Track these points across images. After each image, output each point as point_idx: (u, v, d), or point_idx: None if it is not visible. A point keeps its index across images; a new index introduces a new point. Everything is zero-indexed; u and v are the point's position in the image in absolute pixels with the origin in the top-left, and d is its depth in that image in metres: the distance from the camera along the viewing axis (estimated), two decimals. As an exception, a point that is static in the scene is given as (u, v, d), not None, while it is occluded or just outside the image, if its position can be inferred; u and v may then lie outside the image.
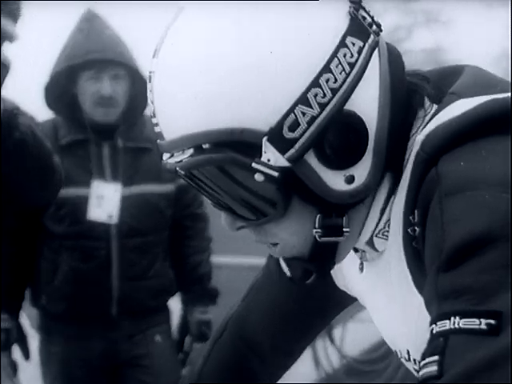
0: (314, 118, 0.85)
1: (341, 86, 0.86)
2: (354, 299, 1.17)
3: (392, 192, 0.93)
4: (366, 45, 0.89)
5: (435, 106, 0.94)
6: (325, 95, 0.86)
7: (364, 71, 0.88)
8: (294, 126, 0.85)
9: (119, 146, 2.43)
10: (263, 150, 0.86)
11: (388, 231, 0.95)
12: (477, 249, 0.76)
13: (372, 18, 0.91)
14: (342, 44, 0.87)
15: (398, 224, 0.92)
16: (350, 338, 4.08)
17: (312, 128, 0.86)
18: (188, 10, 0.90)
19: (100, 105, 2.37)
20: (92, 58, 2.34)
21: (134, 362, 2.47)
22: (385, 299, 1.01)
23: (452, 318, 0.74)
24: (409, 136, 0.93)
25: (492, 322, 0.72)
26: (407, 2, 17.55)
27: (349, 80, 0.87)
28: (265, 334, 1.23)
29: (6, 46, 1.73)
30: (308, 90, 0.85)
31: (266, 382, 1.29)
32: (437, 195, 0.83)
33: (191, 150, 0.87)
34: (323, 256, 0.95)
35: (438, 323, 0.76)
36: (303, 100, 0.85)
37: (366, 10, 0.91)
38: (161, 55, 0.89)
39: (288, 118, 0.85)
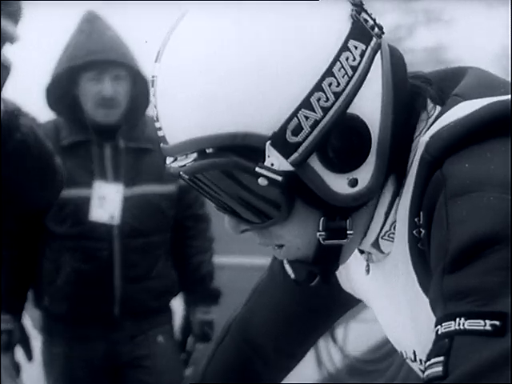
0: (317, 122, 0.86)
1: (343, 90, 0.86)
2: (358, 301, 1.17)
3: (397, 194, 0.93)
4: (369, 48, 0.89)
5: (438, 108, 0.94)
6: (328, 99, 0.86)
7: (366, 74, 0.88)
8: (298, 130, 0.86)
9: (121, 146, 2.43)
10: (266, 154, 0.86)
11: (394, 233, 0.95)
12: (482, 250, 0.77)
13: (374, 20, 0.91)
14: (345, 47, 0.87)
15: (403, 226, 0.92)
16: (353, 337, 4.09)
17: (315, 132, 0.86)
18: (190, 15, 0.90)
19: (101, 106, 2.37)
20: (93, 59, 2.35)
21: (137, 362, 2.47)
22: (391, 300, 1.01)
23: (457, 319, 0.75)
24: (412, 138, 0.93)
25: (497, 323, 0.73)
26: (408, 1, 17.55)
27: (351, 84, 0.87)
28: (268, 336, 1.23)
29: (7, 47, 1.73)
30: (311, 94, 0.85)
31: (269, 382, 1.29)
32: (442, 197, 0.83)
33: (195, 155, 0.87)
34: (327, 258, 0.95)
35: (443, 324, 0.76)
36: (306, 104, 0.85)
37: (367, 13, 0.91)
38: (163, 59, 0.90)
39: (291, 122, 0.85)
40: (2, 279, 2.36)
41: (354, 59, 0.87)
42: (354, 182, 0.89)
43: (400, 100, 0.92)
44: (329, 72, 0.86)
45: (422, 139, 0.90)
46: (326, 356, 3.96)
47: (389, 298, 1.01)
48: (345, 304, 1.23)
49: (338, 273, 1.14)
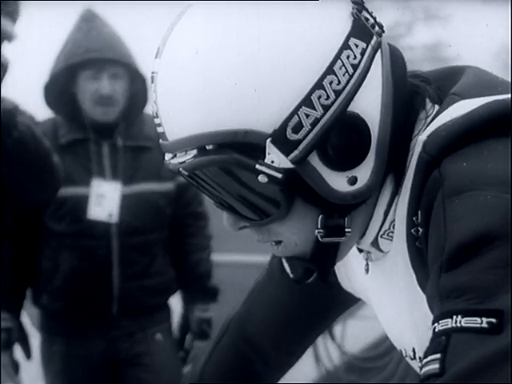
0: (317, 120, 0.86)
1: (344, 88, 0.87)
2: (357, 300, 1.18)
3: (395, 193, 0.94)
4: (369, 46, 0.89)
5: (437, 108, 0.94)
6: (328, 97, 0.86)
7: (367, 73, 0.89)
8: (298, 127, 0.86)
9: (119, 144, 2.43)
10: (267, 151, 0.86)
11: (393, 232, 0.95)
12: (478, 248, 0.77)
13: (374, 19, 0.92)
14: (346, 46, 0.88)
15: (401, 225, 0.93)
16: (351, 335, 4.08)
17: (315, 130, 0.86)
18: (190, 11, 0.90)
19: (99, 104, 2.37)
20: (91, 57, 2.35)
21: (135, 360, 2.48)
22: (390, 299, 1.01)
23: (454, 317, 0.75)
24: (411, 137, 0.93)
25: (493, 320, 0.73)
26: (406, -2, 17.54)
27: (352, 82, 0.87)
28: (267, 335, 1.23)
29: (5, 45, 1.74)
30: (312, 91, 0.86)
31: (268, 380, 1.29)
32: (439, 196, 0.84)
33: (194, 151, 0.88)
34: (324, 255, 0.95)
35: (440, 322, 0.77)
36: (307, 102, 0.86)
37: (368, 11, 0.92)
38: (163, 56, 0.90)
39: (292, 120, 0.86)
40: (0, 277, 2.37)
41: (355, 57, 0.88)
42: (353, 180, 0.89)
43: (399, 99, 0.92)
44: (330, 70, 0.86)
45: (420, 138, 0.90)
46: (324, 353, 3.97)
47: (388, 297, 1.02)
48: (344, 303, 1.23)
49: (337, 272, 1.14)
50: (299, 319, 1.23)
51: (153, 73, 0.91)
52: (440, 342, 0.75)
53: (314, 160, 0.88)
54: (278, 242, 0.96)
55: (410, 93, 0.95)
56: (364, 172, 0.90)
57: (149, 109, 2.51)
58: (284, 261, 1.10)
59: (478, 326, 0.74)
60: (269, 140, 0.86)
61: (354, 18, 0.90)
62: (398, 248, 0.95)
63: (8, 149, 1.80)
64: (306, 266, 0.97)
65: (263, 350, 1.25)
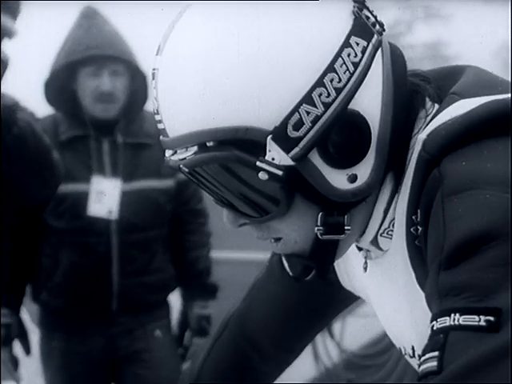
0: (318, 118, 0.86)
1: (345, 86, 0.87)
2: (357, 298, 1.18)
3: (395, 191, 0.94)
4: (370, 44, 0.90)
5: (436, 107, 0.95)
6: (329, 95, 0.87)
7: (368, 71, 0.89)
8: (299, 125, 0.86)
9: (119, 141, 2.44)
10: (267, 148, 0.87)
11: (392, 230, 0.96)
12: (477, 247, 0.78)
13: (375, 17, 0.92)
14: (347, 44, 0.88)
15: (401, 223, 0.93)
16: (350, 332, 4.09)
17: (316, 127, 0.87)
18: (192, 9, 0.91)
19: (100, 101, 2.38)
20: (92, 54, 2.35)
21: (134, 356, 2.48)
22: (390, 297, 1.02)
23: (452, 315, 0.76)
24: (411, 136, 0.94)
25: (491, 318, 0.73)
26: (407, -4, 17.52)
27: (353, 80, 0.88)
28: (266, 332, 1.24)
29: (5, 42, 1.74)
30: (313, 89, 0.86)
31: (266, 378, 1.29)
32: (439, 195, 0.84)
33: (195, 148, 0.88)
34: (323, 253, 0.96)
35: (438, 320, 0.77)
36: (308, 99, 0.86)
37: (369, 10, 0.92)
38: (165, 53, 0.90)
39: (292, 117, 0.86)
40: (0, 274, 2.37)
41: (356, 55, 0.88)
42: (353, 178, 0.89)
43: (400, 97, 0.93)
44: (331, 68, 0.87)
45: (420, 137, 0.90)
46: (322, 350, 3.97)
47: (387, 295, 1.02)
48: (343, 301, 1.24)
49: (337, 269, 1.15)
50: (298, 317, 1.23)
51: (153, 69, 0.91)
52: (438, 340, 0.76)
53: (315, 157, 0.88)
54: (278, 239, 0.96)
55: (410, 91, 0.96)
56: (364, 170, 0.90)
57: (149, 106, 2.51)
58: (283, 259, 1.11)
59: (476, 324, 0.74)
60: (269, 137, 0.86)
61: (355, 16, 0.90)
62: (397, 246, 0.95)
63: (8, 145, 1.81)
64: (305, 263, 0.98)
65: (262, 347, 1.25)
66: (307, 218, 0.92)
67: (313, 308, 1.22)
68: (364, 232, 0.98)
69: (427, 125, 0.92)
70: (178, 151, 0.90)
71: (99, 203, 2.38)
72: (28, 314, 2.60)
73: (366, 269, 1.04)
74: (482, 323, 0.74)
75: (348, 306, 1.26)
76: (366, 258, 1.03)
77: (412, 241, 0.92)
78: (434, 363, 0.75)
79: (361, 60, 0.88)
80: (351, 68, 0.88)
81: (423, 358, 0.76)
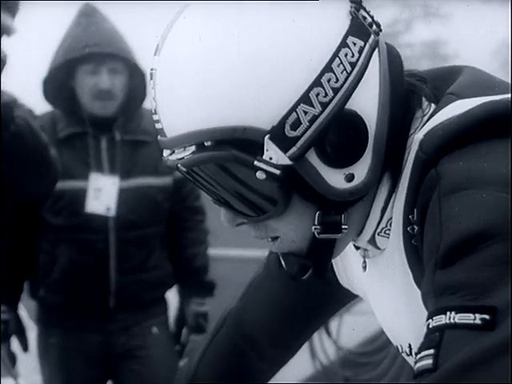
0: (315, 117, 0.87)
1: (342, 86, 0.88)
2: (355, 296, 1.18)
3: (392, 191, 0.95)
4: (367, 44, 0.90)
5: (433, 106, 0.95)
6: (326, 94, 0.87)
7: (365, 71, 0.89)
8: (296, 124, 0.87)
9: (117, 138, 2.44)
10: (265, 148, 0.87)
11: (390, 229, 0.96)
12: (473, 246, 0.78)
13: (372, 17, 0.92)
14: (344, 44, 0.88)
15: (398, 222, 0.94)
16: (347, 330, 4.09)
17: (313, 127, 0.87)
18: (190, 9, 0.91)
19: (98, 98, 2.38)
20: (90, 52, 2.36)
21: (131, 353, 2.49)
22: (387, 295, 1.02)
23: (448, 313, 0.76)
24: (407, 135, 0.94)
25: (487, 317, 0.74)
26: (405, -5, 17.49)
27: (350, 79, 0.88)
28: (263, 330, 1.24)
29: (4, 39, 1.74)
30: (310, 89, 0.86)
31: (263, 375, 1.30)
32: (436, 194, 0.84)
33: (193, 147, 0.88)
34: (320, 252, 0.96)
35: (434, 318, 0.77)
36: (305, 99, 0.86)
37: (366, 10, 0.93)
38: (163, 53, 0.90)
39: (290, 117, 0.86)
40: (-1, 270, 2.38)
41: (353, 55, 0.88)
42: (350, 177, 0.90)
43: (396, 97, 0.93)
44: (328, 68, 0.87)
45: (416, 137, 0.91)
46: (319, 348, 3.97)
47: (385, 293, 1.02)
48: (341, 299, 1.24)
49: (335, 268, 1.15)
50: (296, 315, 1.23)
51: (152, 70, 0.91)
52: (434, 338, 0.76)
53: (312, 157, 0.88)
54: (275, 238, 0.97)
55: (407, 91, 0.96)
56: (361, 169, 0.90)
57: (147, 104, 2.52)
58: (281, 257, 1.11)
59: (472, 322, 0.74)
60: (267, 137, 0.87)
61: (352, 16, 0.90)
62: (394, 245, 0.95)
63: (5, 142, 1.81)
64: (302, 262, 0.98)
65: (260, 345, 1.25)
66: (304, 217, 0.92)
67: (310, 306, 1.22)
68: (361, 231, 0.98)
69: (424, 125, 0.93)
70: (176, 151, 0.90)
71: (97, 200, 2.39)
72: (26, 310, 2.60)
73: (365, 268, 1.04)
74: (478, 321, 0.74)
75: (345, 305, 1.27)
76: (364, 257, 1.04)
77: (408, 240, 0.92)
78: (430, 361, 0.75)
79: (358, 60, 0.89)
80: (348, 68, 0.88)
81: (419, 356, 0.77)
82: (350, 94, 0.88)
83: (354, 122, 0.89)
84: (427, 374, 0.75)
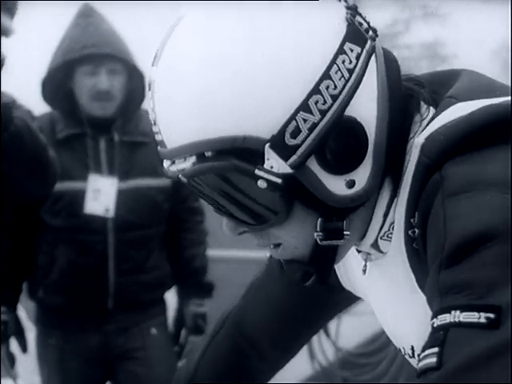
0: (315, 125, 0.87)
1: (340, 93, 0.87)
2: (357, 298, 1.18)
3: (394, 195, 0.95)
4: (364, 50, 0.90)
5: (432, 110, 0.95)
6: (325, 102, 0.87)
7: (362, 77, 0.89)
8: (296, 132, 0.87)
9: (116, 139, 2.44)
10: (266, 156, 0.87)
11: (392, 233, 0.96)
12: (477, 246, 0.78)
13: (368, 23, 0.93)
14: (341, 50, 0.88)
15: (399, 226, 0.94)
16: (345, 331, 4.09)
17: (313, 134, 0.87)
18: (187, 19, 0.91)
19: (97, 99, 2.38)
20: (89, 53, 2.36)
21: (130, 354, 2.49)
22: (389, 298, 1.02)
23: (452, 312, 0.76)
24: (407, 140, 0.94)
25: (491, 315, 0.74)
26: (405, -4, 17.51)
27: (348, 86, 0.88)
28: (264, 331, 1.24)
29: (2, 40, 1.74)
30: (309, 96, 0.86)
31: (262, 376, 1.30)
32: (439, 196, 0.85)
33: (193, 158, 0.88)
34: (323, 258, 0.96)
35: (438, 317, 0.77)
36: (304, 107, 0.86)
37: (361, 16, 0.93)
38: (160, 63, 0.90)
39: (290, 125, 0.86)
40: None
41: (351, 62, 0.88)
42: (351, 184, 0.90)
43: (395, 102, 0.93)
44: (326, 75, 0.87)
45: (417, 141, 0.91)
46: (318, 349, 3.98)
47: (387, 296, 1.02)
48: (343, 302, 1.24)
49: (337, 270, 1.15)
50: (297, 317, 1.23)
51: (150, 80, 0.91)
52: (438, 337, 0.76)
53: (313, 164, 0.88)
54: (277, 245, 0.97)
55: (405, 96, 0.96)
56: (362, 175, 0.90)
57: (146, 105, 2.52)
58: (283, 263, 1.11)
59: (476, 320, 0.74)
60: (267, 145, 0.86)
61: (348, 22, 0.90)
62: (396, 249, 0.96)
63: (4, 143, 1.81)
64: (304, 268, 0.98)
65: (260, 346, 1.25)
66: (306, 224, 0.92)
67: (311, 308, 1.22)
68: (364, 236, 0.98)
69: (424, 129, 0.93)
70: (177, 161, 0.90)
71: (96, 201, 2.39)
72: (25, 311, 2.60)
73: (364, 271, 1.04)
74: (482, 320, 0.74)
75: (347, 307, 1.27)
76: (365, 260, 1.03)
77: (410, 243, 0.92)
78: (434, 359, 0.75)
79: (355, 66, 0.89)
80: (346, 75, 0.88)
81: (423, 355, 0.77)
82: (349, 101, 0.88)
83: (354, 129, 0.89)
84: (431, 372, 0.75)
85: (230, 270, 3.82)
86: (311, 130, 0.87)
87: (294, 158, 0.87)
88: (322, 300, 1.21)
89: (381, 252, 0.99)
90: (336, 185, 0.89)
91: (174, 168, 0.91)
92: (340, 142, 0.88)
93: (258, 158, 0.87)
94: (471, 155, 0.86)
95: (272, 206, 0.91)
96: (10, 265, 2.43)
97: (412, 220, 0.91)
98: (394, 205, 0.95)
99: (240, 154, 0.87)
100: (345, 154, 0.89)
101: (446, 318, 0.76)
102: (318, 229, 0.92)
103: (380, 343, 3.97)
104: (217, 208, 0.95)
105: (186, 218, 2.57)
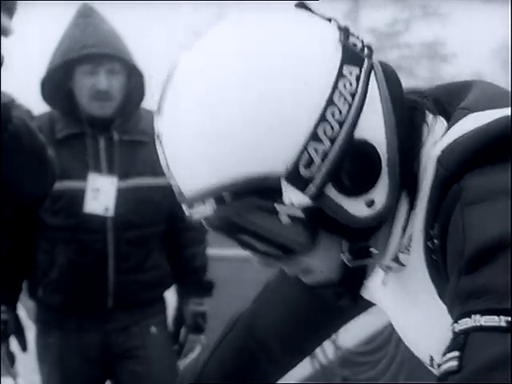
0: (326, 153, 0.87)
1: (346, 117, 0.88)
2: (372, 305, 1.18)
3: (411, 208, 0.95)
4: (362, 70, 0.90)
5: (441, 120, 0.96)
6: (333, 128, 0.87)
7: (365, 97, 0.89)
8: (309, 163, 0.87)
9: (115, 139, 2.45)
10: (283, 191, 0.87)
11: (410, 245, 0.97)
12: (496, 252, 0.79)
13: (362, 41, 0.93)
14: (340, 75, 0.88)
15: (418, 238, 0.94)
16: (345, 329, 4.10)
17: (327, 162, 0.87)
18: (183, 62, 0.91)
19: (96, 99, 2.39)
20: (88, 53, 2.36)
21: (130, 353, 2.49)
22: (409, 309, 1.03)
23: (473, 316, 0.77)
24: (418, 151, 0.95)
25: (511, 319, 0.75)
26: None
27: (353, 109, 0.88)
28: (276, 335, 1.24)
29: (2, 39, 1.75)
30: (316, 126, 0.86)
31: (269, 378, 1.29)
32: (459, 206, 0.86)
33: (212, 200, 0.89)
34: (354, 278, 0.97)
35: (459, 322, 0.78)
36: (314, 137, 0.86)
37: (354, 35, 0.93)
38: (165, 114, 0.91)
39: (302, 157, 0.86)
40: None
41: (351, 85, 0.88)
42: (371, 203, 0.90)
43: (400, 115, 0.93)
44: (330, 102, 0.87)
45: (433, 153, 0.92)
46: (318, 348, 3.98)
47: (406, 307, 1.03)
48: (357, 307, 1.23)
49: None
50: (311, 320, 1.23)
51: (158, 133, 0.92)
52: (459, 341, 0.77)
53: (330, 191, 0.88)
54: (306, 271, 0.98)
55: (409, 108, 0.96)
56: (380, 193, 0.90)
57: (145, 104, 2.52)
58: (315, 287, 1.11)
59: (497, 324, 0.75)
60: (284, 180, 0.87)
61: (343, 45, 0.90)
62: (415, 261, 0.96)
63: (3, 143, 1.82)
64: (336, 290, 0.99)
65: (270, 349, 1.25)
66: (333, 248, 0.93)
67: (326, 313, 1.22)
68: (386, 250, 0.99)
69: (438, 140, 0.93)
70: (195, 205, 0.91)
71: (95, 200, 2.39)
72: (24, 310, 2.61)
73: (384, 283, 1.04)
74: (503, 323, 0.75)
75: (362, 313, 1.27)
76: (385, 272, 1.03)
77: (429, 254, 0.93)
78: (455, 363, 0.76)
79: (357, 88, 0.89)
80: (349, 98, 0.88)
81: (444, 359, 0.77)
82: (356, 123, 0.88)
83: (365, 149, 0.89)
84: (452, 376, 0.75)
85: (230, 269, 3.83)
86: (324, 158, 0.87)
87: (311, 188, 0.87)
88: (337, 305, 1.22)
89: (401, 264, 1.00)
90: (356, 207, 0.89)
91: (194, 212, 0.92)
92: (354, 165, 0.88)
93: (276, 193, 0.87)
94: (489, 166, 0.87)
95: (297, 236, 0.91)
96: (9, 264, 2.44)
97: (431, 231, 0.91)
98: (411, 217, 0.95)
99: (258, 191, 0.87)
100: (360, 176, 0.89)
101: (466, 323, 0.77)
102: (345, 251, 0.93)
103: (380, 341, 3.98)
104: (242, 245, 0.96)
105: (185, 216, 2.57)
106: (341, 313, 1.25)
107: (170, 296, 2.67)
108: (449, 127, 0.93)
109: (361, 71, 0.90)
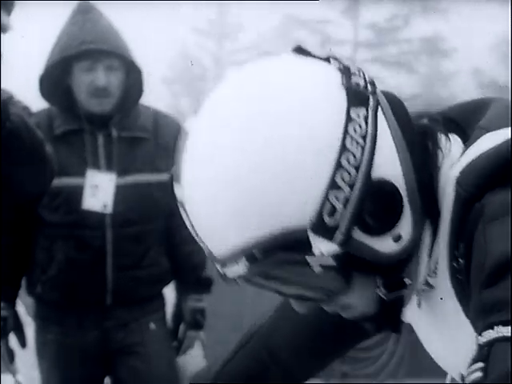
0: (347, 199, 0.87)
1: (361, 161, 0.88)
2: None
3: (435, 233, 0.96)
4: (369, 110, 0.90)
5: (455, 139, 0.97)
6: (350, 174, 0.88)
7: (376, 137, 0.89)
8: (332, 211, 0.87)
9: (114, 135, 2.45)
10: (312, 242, 0.88)
11: (437, 267, 0.98)
12: None
13: (364, 79, 0.93)
14: (349, 119, 0.89)
15: (443, 260, 0.96)
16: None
17: (349, 208, 0.88)
18: (197, 129, 0.92)
19: (94, 95, 2.39)
20: (86, 49, 2.36)
21: (129, 349, 2.49)
22: (438, 329, 1.04)
23: (495, 328, 0.79)
24: (434, 176, 0.96)
25: None
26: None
27: (366, 152, 0.88)
28: (293, 351, 1.24)
29: (3, 37, 1.75)
30: (334, 174, 0.87)
31: None
32: (481, 223, 0.87)
33: (243, 259, 0.89)
34: (393, 310, 0.98)
35: (482, 334, 0.80)
36: (333, 185, 0.87)
37: (355, 74, 0.93)
38: (184, 181, 0.92)
39: (325, 206, 0.87)
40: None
41: (361, 127, 0.89)
42: (398, 238, 0.91)
43: (411, 144, 0.94)
44: (343, 148, 0.88)
45: (452, 174, 0.93)
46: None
47: (436, 328, 1.05)
48: None
49: None
50: (328, 336, 1.23)
51: (180, 200, 0.93)
52: (483, 352, 0.79)
53: (357, 234, 0.89)
54: (346, 307, 0.99)
55: (420, 134, 0.97)
56: (405, 226, 0.91)
57: (144, 100, 2.53)
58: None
59: None
60: (310, 231, 0.88)
61: (347, 87, 0.91)
62: (442, 282, 0.98)
63: (1, 140, 1.82)
64: (376, 322, 1.00)
65: (286, 364, 1.25)
66: (368, 285, 0.94)
67: (345, 329, 1.20)
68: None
69: (456, 161, 0.95)
70: (228, 264, 0.92)
71: (94, 197, 2.39)
72: (24, 306, 2.61)
73: (419, 305, 1.05)
74: None
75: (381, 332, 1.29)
76: (417, 294, 1.04)
77: (455, 275, 0.94)
78: (480, 374, 0.78)
79: (367, 129, 0.89)
80: (361, 141, 0.88)
81: (469, 371, 0.79)
82: (371, 164, 0.89)
83: (385, 188, 0.90)
84: None
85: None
86: (345, 204, 0.87)
87: (338, 236, 0.88)
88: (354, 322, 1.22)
89: (431, 287, 1.01)
90: (384, 244, 0.90)
91: (227, 271, 0.92)
92: (376, 204, 0.89)
93: (305, 244, 0.88)
94: (509, 184, 0.88)
95: (331, 282, 0.93)
96: (8, 261, 2.44)
97: (456, 252, 0.93)
98: (435, 241, 0.97)
99: (287, 245, 0.88)
100: (384, 214, 0.90)
101: (489, 334, 0.79)
102: (381, 286, 0.94)
103: (379, 337, 3.97)
104: (279, 294, 0.98)
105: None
106: (359, 330, 1.25)
107: (169, 292, 2.67)
108: (466, 147, 0.95)
109: (368, 111, 0.90)
